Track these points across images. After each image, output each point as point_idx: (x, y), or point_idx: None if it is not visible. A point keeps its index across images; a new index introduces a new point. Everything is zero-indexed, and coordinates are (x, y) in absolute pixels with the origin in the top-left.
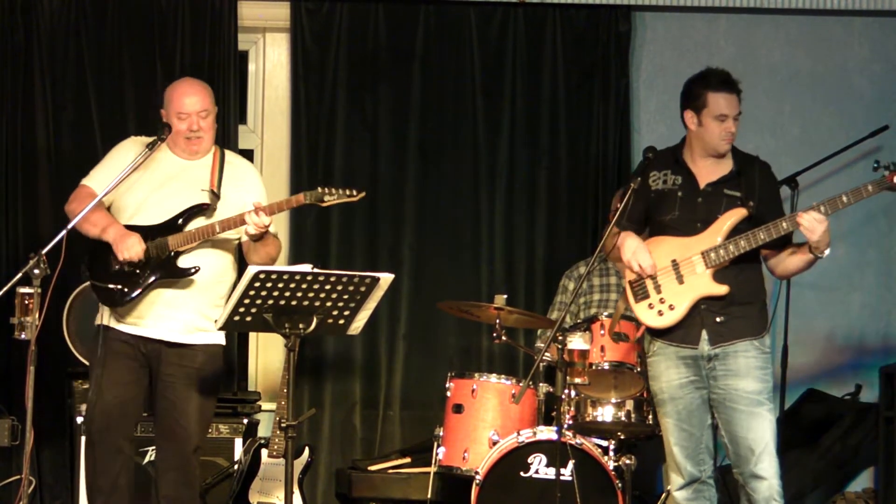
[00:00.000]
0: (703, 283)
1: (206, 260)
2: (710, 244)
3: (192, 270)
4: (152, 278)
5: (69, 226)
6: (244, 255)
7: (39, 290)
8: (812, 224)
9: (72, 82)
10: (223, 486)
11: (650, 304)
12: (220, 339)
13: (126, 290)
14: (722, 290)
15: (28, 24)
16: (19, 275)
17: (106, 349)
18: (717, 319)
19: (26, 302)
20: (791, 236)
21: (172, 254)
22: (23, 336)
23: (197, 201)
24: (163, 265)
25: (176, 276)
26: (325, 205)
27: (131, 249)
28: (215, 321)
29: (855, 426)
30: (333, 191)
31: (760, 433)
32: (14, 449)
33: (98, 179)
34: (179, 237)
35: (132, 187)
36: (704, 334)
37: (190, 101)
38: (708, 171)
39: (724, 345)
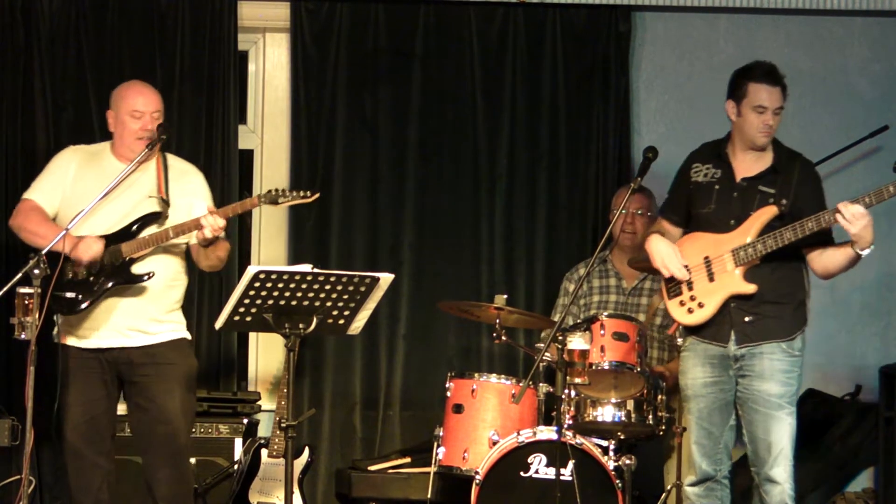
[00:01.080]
0: (733, 282)
1: (159, 265)
2: (740, 242)
3: (146, 276)
4: (108, 285)
5: (62, 232)
6: (193, 259)
7: (39, 290)
8: (850, 219)
9: (72, 82)
10: (223, 486)
11: (681, 301)
12: (183, 333)
13: (80, 297)
14: (750, 288)
15: (28, 24)
16: (19, 275)
17: (70, 367)
18: (746, 319)
19: (26, 302)
20: (832, 236)
21: (126, 260)
22: (23, 336)
23: (147, 209)
24: (117, 272)
25: (130, 282)
26: (279, 206)
27: (90, 249)
28: (215, 322)
29: (855, 426)
30: (287, 192)
31: (778, 437)
32: (14, 449)
33: (39, 191)
34: (133, 244)
35: (79, 196)
36: (733, 334)
37: (144, 100)
38: (747, 166)
39: (750, 346)
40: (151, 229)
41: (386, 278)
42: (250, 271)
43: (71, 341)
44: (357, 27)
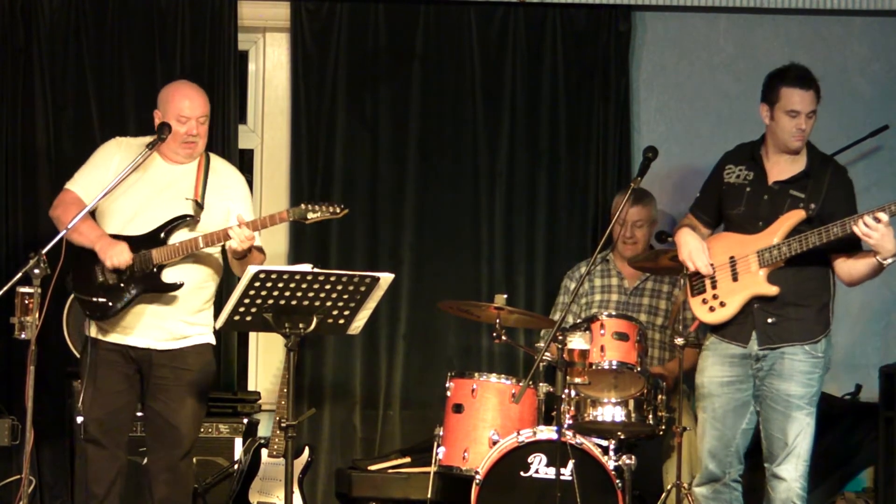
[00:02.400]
0: (756, 283)
1: (189, 271)
2: (767, 244)
3: (177, 286)
4: (136, 291)
5: (62, 233)
6: (229, 263)
7: (39, 290)
8: (866, 230)
9: (72, 82)
10: (223, 486)
11: (704, 300)
12: (208, 338)
13: (111, 303)
14: (772, 290)
15: (28, 24)
16: (19, 275)
17: (95, 359)
18: (769, 320)
19: (26, 302)
20: (859, 241)
21: (156, 268)
22: (23, 336)
23: (180, 212)
24: (147, 279)
25: (160, 291)
26: (309, 221)
27: (119, 256)
28: (215, 323)
29: (855, 426)
30: (317, 207)
31: (792, 436)
32: (14, 449)
33: (82, 183)
34: (163, 251)
35: (117, 192)
36: (755, 334)
37: (193, 105)
38: (779, 169)
39: (772, 347)
40: (182, 232)
41: (386, 278)
42: (250, 271)
43: (99, 335)
44: (357, 27)
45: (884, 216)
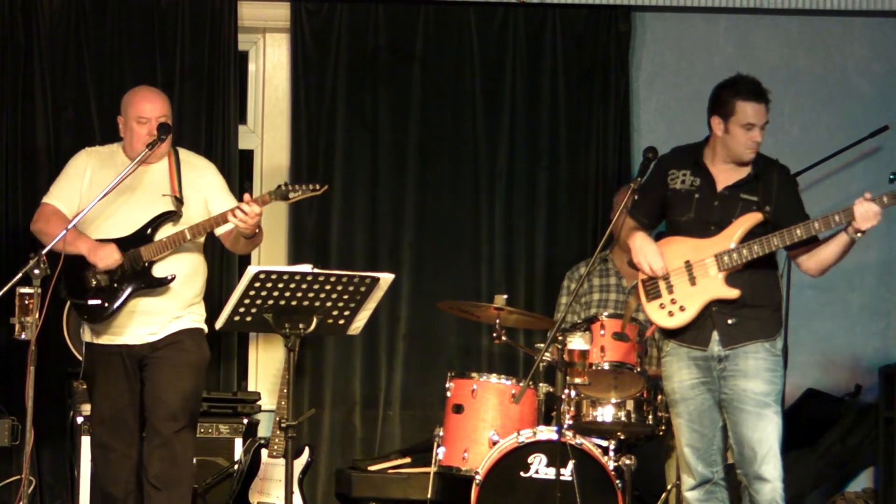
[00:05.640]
0: (715, 286)
1: (178, 264)
2: (724, 247)
3: (168, 279)
4: (129, 290)
5: (56, 239)
6: (229, 248)
7: (39, 290)
8: (867, 213)
9: (72, 82)
10: (223, 486)
11: (661, 304)
12: (200, 323)
13: (106, 304)
14: (733, 293)
15: (28, 24)
16: (19, 275)
17: (96, 364)
18: (729, 321)
19: (26, 302)
20: (817, 238)
21: (146, 264)
22: (23, 336)
23: (161, 209)
24: (138, 276)
25: (152, 286)
26: (290, 201)
27: (109, 258)
28: (215, 322)
29: (855, 426)
30: (297, 187)
31: (766, 435)
32: (14, 449)
33: (58, 196)
34: (152, 248)
35: (96, 198)
36: (715, 335)
37: (150, 106)
38: (727, 175)
39: (735, 346)
40: (167, 228)
41: (386, 278)
42: (250, 271)
43: (94, 339)
44: (357, 27)
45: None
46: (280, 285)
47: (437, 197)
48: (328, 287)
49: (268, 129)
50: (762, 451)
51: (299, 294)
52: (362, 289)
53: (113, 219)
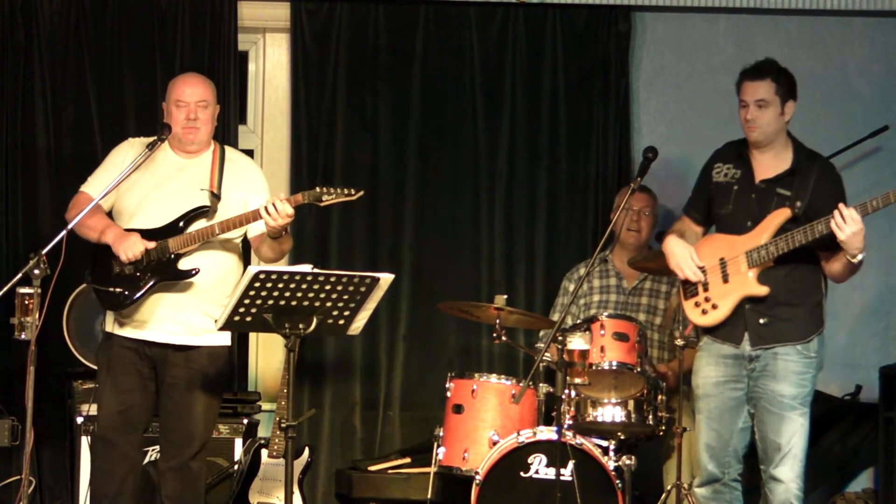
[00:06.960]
0: (746, 283)
1: (208, 261)
2: (755, 244)
3: (192, 272)
4: (153, 281)
5: (68, 227)
6: (255, 252)
7: (39, 290)
8: (840, 222)
9: (72, 82)
10: (223, 487)
11: (696, 303)
12: (224, 339)
13: (127, 293)
14: (762, 290)
15: (28, 24)
16: (19, 275)
17: (111, 356)
18: (761, 321)
19: (26, 302)
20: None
21: (172, 256)
22: (23, 336)
23: (196, 203)
24: (163, 268)
25: (176, 279)
26: (323, 204)
27: (132, 248)
28: (215, 321)
29: (855, 426)
30: (332, 190)
31: (787, 437)
32: (14, 449)
33: (96, 185)
34: (179, 240)
35: (132, 188)
36: (746, 335)
37: (190, 90)
38: (766, 167)
39: (765, 347)
40: (200, 223)
41: (386, 278)
42: (250, 271)
43: (115, 329)
44: (357, 27)
45: (856, 214)
46: (280, 285)
47: (437, 197)
48: (328, 287)
49: (268, 129)
50: (781, 453)
51: (299, 294)
52: (362, 289)
53: (148, 210)
